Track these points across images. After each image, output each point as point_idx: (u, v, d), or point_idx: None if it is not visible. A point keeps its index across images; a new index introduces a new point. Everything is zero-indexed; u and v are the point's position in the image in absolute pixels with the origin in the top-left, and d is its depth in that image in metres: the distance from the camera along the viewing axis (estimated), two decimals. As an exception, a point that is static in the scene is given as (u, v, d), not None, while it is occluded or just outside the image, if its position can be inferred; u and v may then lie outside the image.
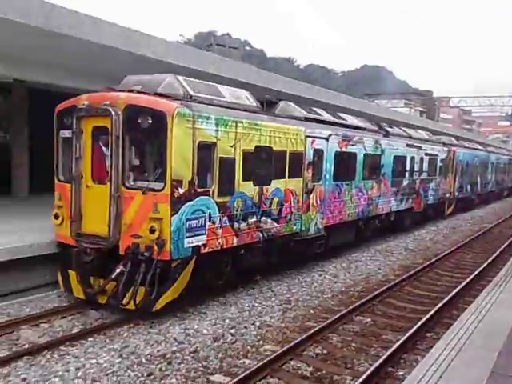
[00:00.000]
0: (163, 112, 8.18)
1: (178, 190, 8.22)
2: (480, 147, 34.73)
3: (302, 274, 12.54)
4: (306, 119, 12.63)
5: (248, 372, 6.54)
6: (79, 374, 6.54)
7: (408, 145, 18.80)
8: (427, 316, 9.01)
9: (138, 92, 8.79)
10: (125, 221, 8.47)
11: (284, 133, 11.13)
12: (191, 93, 9.19)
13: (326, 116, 14.14)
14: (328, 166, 13.04)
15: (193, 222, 8.55)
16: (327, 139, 13.00)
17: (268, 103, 12.05)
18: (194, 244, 8.66)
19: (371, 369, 6.72)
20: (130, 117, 8.42)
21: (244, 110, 10.29)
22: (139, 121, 8.29)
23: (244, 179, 9.83)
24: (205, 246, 8.94)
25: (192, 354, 7.36)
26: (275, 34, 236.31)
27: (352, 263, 14.13)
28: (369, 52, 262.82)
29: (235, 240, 9.75)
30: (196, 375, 6.71)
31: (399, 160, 17.95)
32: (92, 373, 6.61)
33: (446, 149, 23.73)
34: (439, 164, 22.54)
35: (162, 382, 6.48)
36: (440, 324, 9.04)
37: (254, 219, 10.26)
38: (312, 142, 12.27)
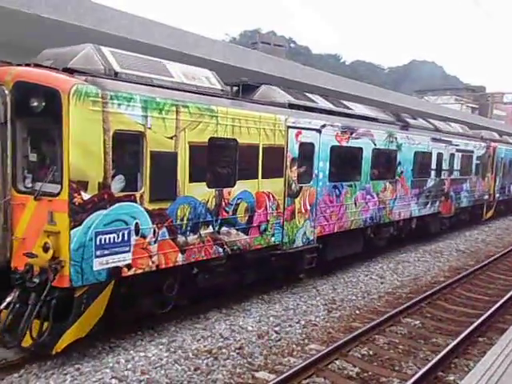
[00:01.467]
0: (55, 90, 6.22)
1: (80, 194, 6.27)
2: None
3: (347, 274, 12.37)
4: (291, 106, 10.26)
5: (293, 370, 6.52)
6: (129, 366, 6.74)
7: (434, 139, 15.97)
8: (480, 320, 8.68)
9: (40, 66, 6.83)
10: (16, 234, 6.58)
11: (255, 122, 8.94)
12: (116, 68, 7.17)
13: (321, 103, 11.57)
14: (321, 164, 10.75)
15: (107, 236, 6.60)
16: (319, 131, 10.67)
17: (245, 87, 10.19)
18: (111, 265, 6.69)
19: (420, 372, 6.54)
20: (20, 97, 6.50)
21: (199, 93, 8.20)
22: (31, 102, 6.40)
23: (192, 180, 7.77)
24: (129, 266, 6.94)
25: (237, 350, 7.42)
26: (320, 30, 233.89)
27: (399, 264, 13.81)
28: (417, 47, 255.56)
29: (180, 257, 7.72)
30: (241, 371, 6.77)
31: (422, 156, 15.25)
32: (141, 365, 6.79)
33: (484, 144, 20.62)
34: (475, 161, 19.64)
35: (209, 377, 6.57)
36: (493, 329, 8.69)
37: (210, 230, 8.19)
38: (297, 135, 10.02)
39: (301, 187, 10.30)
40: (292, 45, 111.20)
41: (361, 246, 12.98)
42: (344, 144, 11.60)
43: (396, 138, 13.73)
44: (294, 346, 7.74)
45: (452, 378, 6.72)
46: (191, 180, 7.78)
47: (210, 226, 8.21)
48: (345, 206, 11.71)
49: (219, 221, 8.36)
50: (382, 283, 11.79)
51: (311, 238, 10.69)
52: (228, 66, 16.61)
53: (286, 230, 9.94)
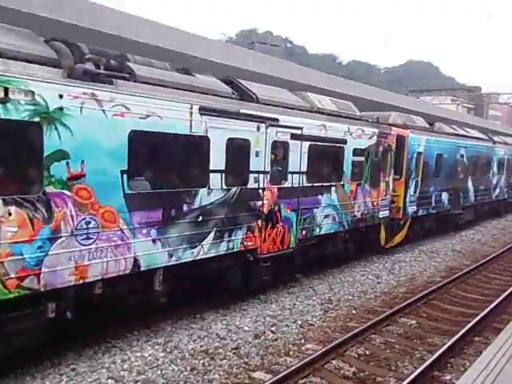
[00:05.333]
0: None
1: None
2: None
3: (343, 273, 12.38)
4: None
5: (290, 370, 6.52)
6: (125, 367, 6.72)
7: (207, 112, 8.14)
8: (475, 319, 8.70)
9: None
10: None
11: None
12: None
13: None
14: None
15: None
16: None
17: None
18: None
19: (416, 372, 6.55)
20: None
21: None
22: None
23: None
24: None
25: (234, 351, 7.41)
26: (316, 30, 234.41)
27: (396, 264, 13.83)
28: (414, 47, 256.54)
29: None
30: (238, 371, 6.76)
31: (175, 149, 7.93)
32: (137, 366, 6.77)
33: (373, 130, 12.83)
34: (351, 158, 11.92)
35: (205, 377, 6.56)
36: (489, 328, 8.70)
37: None
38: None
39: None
40: (288, 45, 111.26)
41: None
42: None
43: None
44: (291, 345, 7.73)
45: (448, 378, 6.73)
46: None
47: None
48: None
49: None
50: (378, 283, 11.80)
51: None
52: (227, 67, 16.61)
53: None
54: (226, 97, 8.66)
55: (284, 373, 6.44)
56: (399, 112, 17.39)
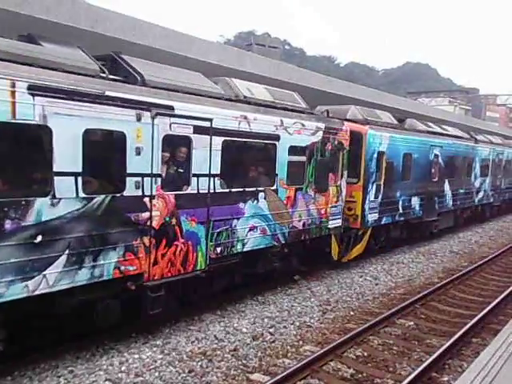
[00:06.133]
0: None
1: None
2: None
3: (341, 275, 12.38)
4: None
5: (288, 372, 6.51)
6: (123, 369, 6.70)
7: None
8: (473, 321, 8.71)
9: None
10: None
11: None
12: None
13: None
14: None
15: None
16: None
17: None
18: None
19: (414, 373, 6.56)
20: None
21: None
22: None
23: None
24: None
25: (232, 352, 7.40)
26: (314, 32, 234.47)
27: (393, 265, 13.84)
28: (412, 49, 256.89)
29: None
30: (236, 373, 6.75)
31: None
32: (135, 368, 6.76)
33: (318, 125, 10.73)
34: (284, 157, 9.81)
35: (203, 379, 6.55)
36: (487, 330, 8.72)
37: None
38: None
39: None
40: (287, 46, 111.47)
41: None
42: None
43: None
44: (289, 347, 7.73)
45: (446, 379, 6.74)
46: None
47: None
48: None
49: None
50: (376, 284, 11.81)
51: None
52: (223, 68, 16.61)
53: None
54: (88, 75, 6.62)
55: (282, 374, 6.43)
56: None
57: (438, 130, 17.88)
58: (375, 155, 12.89)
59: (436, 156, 16.44)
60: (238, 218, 8.77)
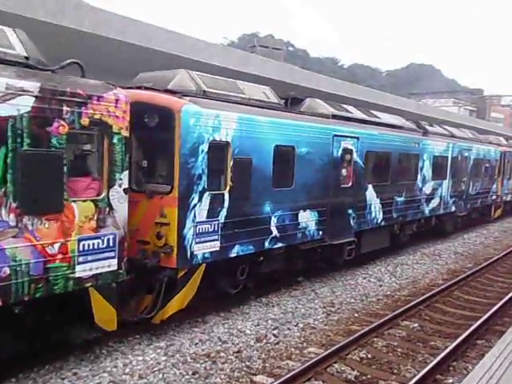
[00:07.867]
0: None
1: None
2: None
3: (345, 276, 12.35)
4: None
5: (292, 374, 6.50)
6: (127, 371, 6.71)
7: None
8: (478, 322, 8.67)
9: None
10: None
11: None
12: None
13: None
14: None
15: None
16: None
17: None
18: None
19: (419, 375, 6.52)
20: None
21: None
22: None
23: None
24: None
25: (236, 354, 7.39)
26: (318, 33, 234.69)
27: (398, 266, 13.80)
28: (415, 50, 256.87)
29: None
30: (239, 375, 6.74)
31: None
32: (138, 369, 6.76)
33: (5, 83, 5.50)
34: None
35: (207, 381, 6.54)
36: (491, 331, 8.68)
37: None
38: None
39: None
40: (290, 48, 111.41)
41: None
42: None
43: None
44: (293, 349, 7.71)
45: (451, 381, 6.71)
46: None
47: None
48: None
49: None
50: (380, 286, 11.78)
51: None
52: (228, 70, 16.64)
53: None
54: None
55: (286, 376, 6.42)
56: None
57: (361, 116, 13.12)
58: (204, 147, 8.04)
59: (347, 152, 11.74)
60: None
